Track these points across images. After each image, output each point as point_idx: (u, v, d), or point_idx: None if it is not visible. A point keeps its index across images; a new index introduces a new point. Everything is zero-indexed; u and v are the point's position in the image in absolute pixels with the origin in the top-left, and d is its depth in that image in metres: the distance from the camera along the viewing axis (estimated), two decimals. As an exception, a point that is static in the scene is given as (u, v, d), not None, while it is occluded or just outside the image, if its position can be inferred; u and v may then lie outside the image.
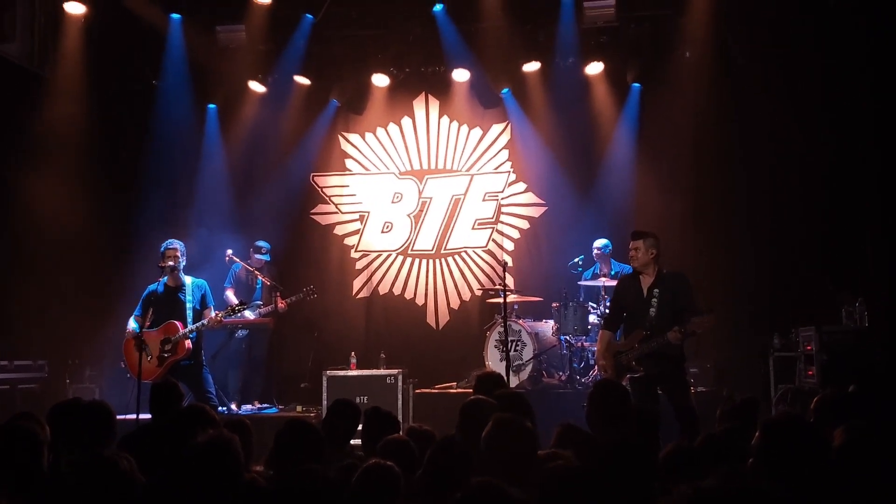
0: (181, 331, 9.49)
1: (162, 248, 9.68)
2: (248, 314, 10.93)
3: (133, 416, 8.47)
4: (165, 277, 9.60)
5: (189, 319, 9.53)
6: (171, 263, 9.54)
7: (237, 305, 9.97)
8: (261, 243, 11.81)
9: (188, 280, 9.74)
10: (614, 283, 10.34)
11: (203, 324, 9.56)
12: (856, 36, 10.19)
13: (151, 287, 9.67)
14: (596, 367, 10.06)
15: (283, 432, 4.96)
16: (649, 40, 11.91)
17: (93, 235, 11.59)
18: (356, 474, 4.03)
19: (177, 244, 9.71)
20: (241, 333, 11.49)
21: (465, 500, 3.18)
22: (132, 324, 9.60)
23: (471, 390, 6.83)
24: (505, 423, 4.29)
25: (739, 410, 5.77)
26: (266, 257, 11.80)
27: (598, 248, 11.49)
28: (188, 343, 9.49)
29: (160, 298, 9.55)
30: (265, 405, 11.44)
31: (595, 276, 11.48)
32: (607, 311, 9.47)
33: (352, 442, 5.90)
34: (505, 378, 8.08)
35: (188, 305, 9.60)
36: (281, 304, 11.18)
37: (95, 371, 11.50)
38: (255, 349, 11.62)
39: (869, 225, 10.31)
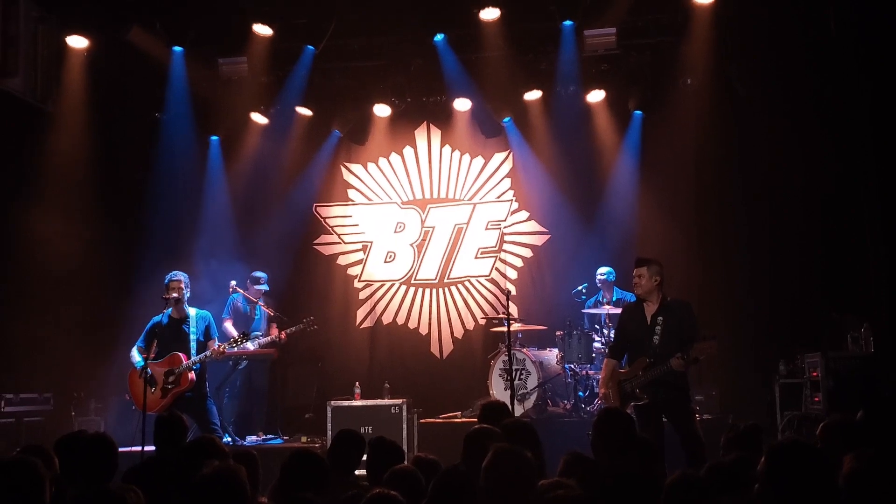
0: (185, 362, 9.48)
1: (166, 280, 9.68)
2: (248, 345, 10.93)
3: (138, 449, 8.44)
4: (170, 309, 9.60)
5: (193, 351, 9.53)
6: (175, 295, 9.54)
7: (239, 337, 9.97)
8: (259, 274, 11.82)
9: (192, 311, 9.74)
10: (617, 310, 10.35)
11: (206, 355, 9.55)
12: (856, 62, 10.23)
13: (156, 318, 9.68)
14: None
15: (289, 463, 4.94)
16: (650, 68, 11.94)
17: (97, 268, 11.61)
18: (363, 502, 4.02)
19: (181, 276, 9.71)
20: (244, 364, 11.48)
21: None
22: (136, 356, 9.58)
23: (476, 419, 6.80)
24: (504, 454, 4.28)
25: (743, 437, 5.75)
26: (265, 287, 11.81)
27: (602, 276, 11.50)
28: (191, 375, 9.48)
29: (164, 330, 9.55)
30: (269, 436, 11.40)
31: (598, 304, 11.48)
32: (612, 339, 9.46)
33: (357, 472, 5.87)
34: (510, 407, 8.05)
35: (192, 337, 9.60)
36: (280, 336, 11.16)
37: (100, 404, 11.47)
38: (255, 380, 11.62)
39: (872, 249, 10.30)
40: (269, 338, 11.22)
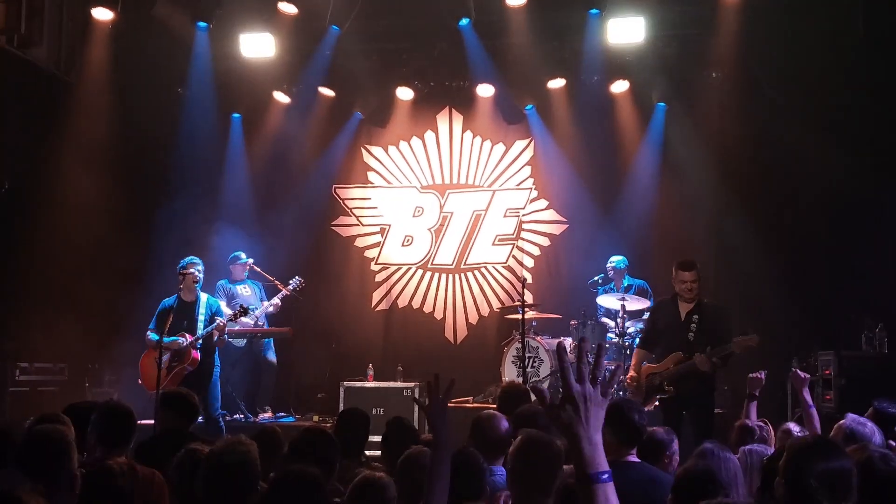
0: (189, 340, 9.58)
1: (183, 264, 9.82)
2: (247, 319, 11.00)
3: (150, 422, 8.48)
4: (179, 292, 9.74)
5: (199, 332, 9.67)
6: (199, 276, 9.78)
7: (239, 311, 10.05)
8: (234, 254, 11.72)
9: (203, 297, 9.94)
10: (631, 301, 10.41)
11: (209, 330, 9.66)
12: (883, 62, 10.19)
13: (166, 302, 9.88)
14: (615, 384, 10.05)
15: (299, 440, 4.96)
16: (676, 60, 11.87)
17: (115, 240, 11.63)
18: (350, 485, 4.10)
19: (198, 260, 9.94)
20: (264, 343, 11.52)
21: None
22: (152, 337, 9.70)
23: (486, 404, 6.83)
24: (532, 440, 4.32)
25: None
26: (243, 262, 11.73)
27: (611, 264, 11.41)
28: (195, 353, 9.58)
29: (175, 312, 9.70)
30: (281, 413, 11.46)
31: (609, 293, 11.41)
32: (641, 331, 9.57)
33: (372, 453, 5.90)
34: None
35: (200, 319, 9.74)
36: (275, 304, 11.18)
37: (114, 376, 11.55)
38: (265, 358, 11.59)
39: (889, 250, 10.26)
40: (268, 305, 11.23)
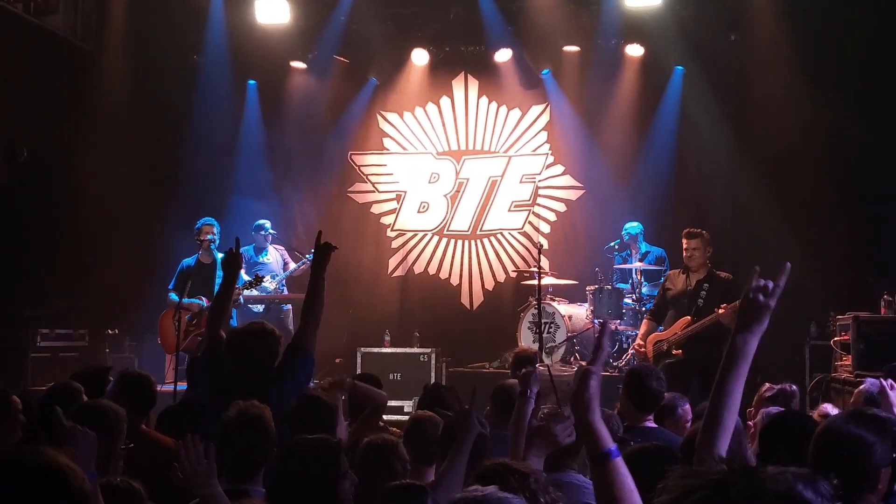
0: (206, 304, 9.63)
1: (198, 225, 9.83)
2: (267, 285, 10.98)
3: (167, 388, 8.56)
4: (199, 253, 9.75)
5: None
6: (209, 237, 9.71)
7: (253, 280, 10.08)
8: (260, 222, 11.59)
9: (221, 257, 9.86)
10: (647, 266, 10.40)
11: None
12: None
13: (185, 261, 9.96)
14: (630, 351, 10.07)
15: (297, 407, 5.00)
16: (694, 22, 11.77)
17: (133, 208, 11.71)
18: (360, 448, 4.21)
19: (213, 221, 9.89)
20: (285, 309, 11.54)
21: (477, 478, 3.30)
22: (172, 297, 9.78)
23: (502, 370, 6.87)
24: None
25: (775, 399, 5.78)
26: (264, 232, 11.70)
27: (625, 231, 11.35)
28: None
29: (193, 273, 9.74)
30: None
31: (625, 260, 11.38)
32: (652, 301, 9.59)
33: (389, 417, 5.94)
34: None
35: (218, 282, 9.71)
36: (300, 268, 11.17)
37: (135, 342, 11.61)
38: (284, 325, 11.63)
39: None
40: (291, 270, 11.23)
